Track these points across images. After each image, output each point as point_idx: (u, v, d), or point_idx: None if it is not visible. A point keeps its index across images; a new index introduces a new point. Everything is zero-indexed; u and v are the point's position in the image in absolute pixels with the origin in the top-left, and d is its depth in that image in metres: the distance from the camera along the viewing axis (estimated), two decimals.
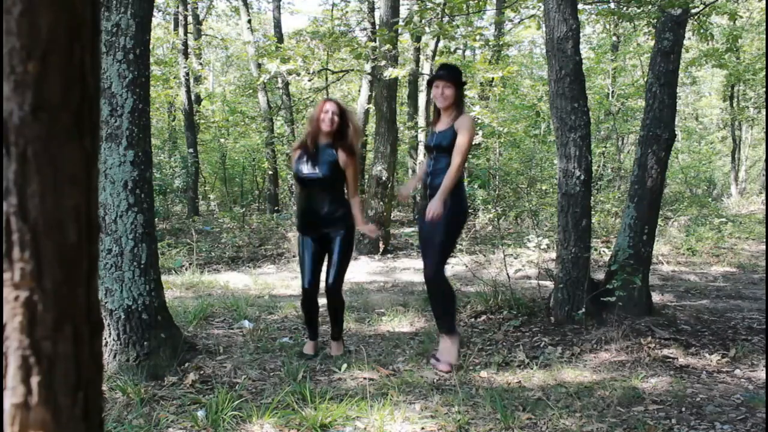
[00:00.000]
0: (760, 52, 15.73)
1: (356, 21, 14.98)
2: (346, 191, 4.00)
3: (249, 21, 14.20)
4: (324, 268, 4.04)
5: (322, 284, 4.03)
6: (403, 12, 10.87)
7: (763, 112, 18.48)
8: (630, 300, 4.63)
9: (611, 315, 4.44)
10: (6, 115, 0.71)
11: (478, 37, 10.11)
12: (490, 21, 14.05)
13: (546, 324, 4.68)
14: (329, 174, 3.84)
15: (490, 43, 11.57)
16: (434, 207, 3.65)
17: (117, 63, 3.47)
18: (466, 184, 11.54)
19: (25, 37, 0.70)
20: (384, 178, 9.29)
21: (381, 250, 9.17)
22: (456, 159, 3.70)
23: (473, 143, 3.90)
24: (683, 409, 3.18)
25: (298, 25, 46.70)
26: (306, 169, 3.86)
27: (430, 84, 3.92)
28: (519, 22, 14.80)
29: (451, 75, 3.80)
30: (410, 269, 8.19)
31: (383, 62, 8.74)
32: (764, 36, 14.79)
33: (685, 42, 6.86)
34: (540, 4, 7.76)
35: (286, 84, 14.04)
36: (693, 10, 5.83)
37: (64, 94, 0.73)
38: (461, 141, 3.71)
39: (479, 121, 11.24)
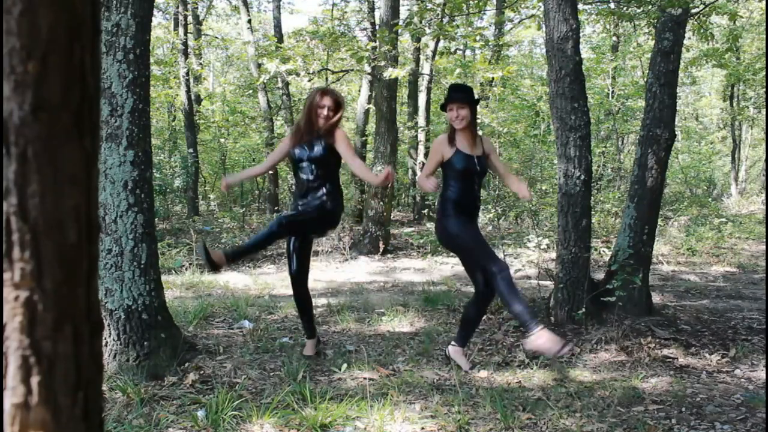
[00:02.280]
0: (760, 52, 15.73)
1: (356, 21, 14.99)
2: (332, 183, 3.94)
3: (249, 21, 14.20)
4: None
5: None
6: (403, 12, 10.88)
7: (763, 112, 18.48)
8: (630, 300, 4.63)
9: (611, 315, 4.44)
10: (6, 115, 0.71)
11: (478, 37, 10.10)
12: (490, 21, 14.05)
13: (546, 324, 4.67)
14: (324, 153, 3.81)
15: (490, 43, 11.56)
16: (526, 190, 3.85)
17: (117, 63, 3.47)
18: None
19: (25, 37, 0.70)
20: None
21: (381, 250, 9.17)
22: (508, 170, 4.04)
23: None
24: (683, 409, 3.18)
25: (298, 24, 46.70)
26: (300, 150, 3.85)
27: (443, 108, 3.92)
28: (519, 22, 14.81)
29: (465, 97, 3.84)
30: (410, 269, 8.18)
31: (383, 62, 8.74)
32: (764, 36, 14.79)
33: (685, 42, 6.86)
34: (540, 4, 7.75)
35: (286, 84, 14.03)
36: (693, 10, 5.83)
37: (64, 94, 0.73)
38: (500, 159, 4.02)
39: (479, 120, 11.15)
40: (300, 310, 4.06)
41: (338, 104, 3.89)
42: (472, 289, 6.05)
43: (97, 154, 0.78)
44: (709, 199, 14.99)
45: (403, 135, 13.43)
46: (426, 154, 14.04)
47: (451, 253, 4.16)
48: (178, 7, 14.80)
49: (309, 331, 4.10)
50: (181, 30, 14.81)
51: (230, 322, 4.86)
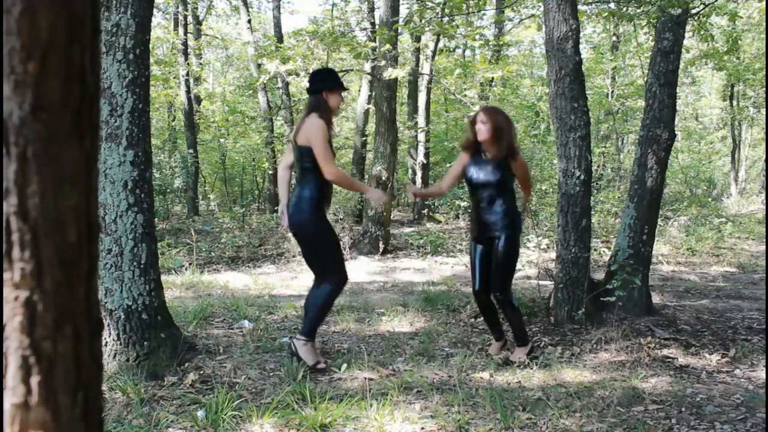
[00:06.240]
0: (760, 52, 15.73)
1: (356, 21, 14.99)
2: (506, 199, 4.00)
3: (249, 21, 14.20)
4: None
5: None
6: (403, 12, 10.87)
7: (763, 112, 18.49)
8: (630, 300, 4.63)
9: (611, 315, 4.44)
10: (6, 115, 0.71)
11: (477, 37, 10.10)
12: (490, 21, 14.05)
13: (546, 324, 4.68)
14: (500, 177, 3.92)
15: (490, 43, 11.56)
16: None
17: (117, 63, 3.47)
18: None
19: (25, 37, 0.70)
20: (384, 178, 9.28)
21: (381, 250, 9.16)
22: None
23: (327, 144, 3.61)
24: (683, 409, 3.18)
25: (298, 24, 46.69)
26: (476, 173, 3.96)
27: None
28: (519, 22, 14.81)
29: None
30: (410, 269, 8.18)
31: (383, 62, 8.74)
32: (764, 36, 14.79)
33: (685, 42, 6.86)
34: (540, 4, 7.75)
35: (286, 84, 14.02)
36: (693, 10, 5.83)
37: (64, 94, 0.73)
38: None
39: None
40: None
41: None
42: (471, 289, 6.05)
43: (97, 154, 0.78)
44: (709, 199, 15.00)
45: (403, 135, 13.44)
46: (426, 154, 14.05)
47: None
48: (178, 7, 14.80)
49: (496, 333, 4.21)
50: (181, 30, 14.81)
51: (230, 322, 4.86)
